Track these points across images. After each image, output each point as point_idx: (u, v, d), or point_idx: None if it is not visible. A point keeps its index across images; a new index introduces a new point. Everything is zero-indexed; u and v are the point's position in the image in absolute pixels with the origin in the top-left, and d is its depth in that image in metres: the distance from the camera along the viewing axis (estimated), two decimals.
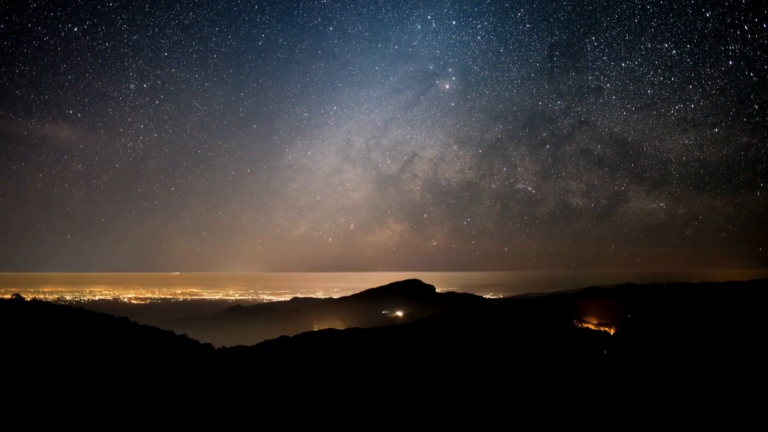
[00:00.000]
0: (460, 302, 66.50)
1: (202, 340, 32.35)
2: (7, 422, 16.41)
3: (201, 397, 22.10)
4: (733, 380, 30.62)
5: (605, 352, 39.57)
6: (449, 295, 75.75)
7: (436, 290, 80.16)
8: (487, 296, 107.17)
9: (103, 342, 25.51)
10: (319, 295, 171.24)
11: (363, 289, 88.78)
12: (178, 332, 32.34)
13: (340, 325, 51.33)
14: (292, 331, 44.18)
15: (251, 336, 53.53)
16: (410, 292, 76.08)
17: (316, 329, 44.59)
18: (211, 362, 28.32)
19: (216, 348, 31.70)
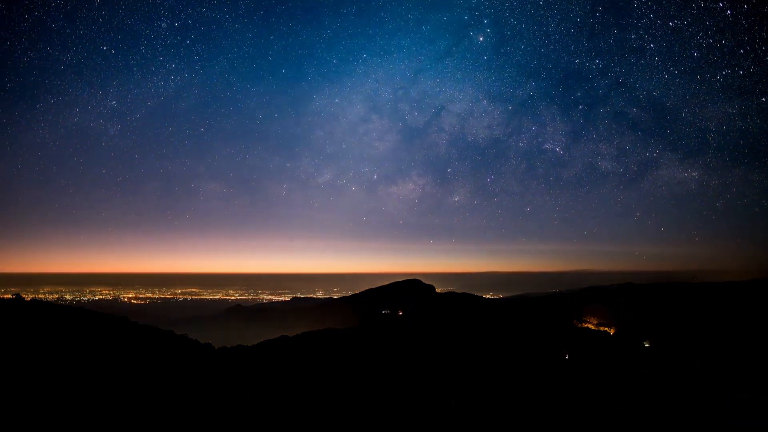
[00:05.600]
0: (460, 302, 66.47)
1: (202, 340, 32.38)
2: (9, 420, 16.42)
3: (201, 397, 22.11)
4: (729, 378, 30.63)
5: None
6: (449, 295, 75.65)
7: (436, 290, 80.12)
8: (487, 296, 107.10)
9: (103, 342, 25.52)
10: (319, 295, 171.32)
11: (363, 289, 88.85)
12: (178, 332, 32.36)
13: (339, 326, 51.36)
14: (292, 331, 44.19)
15: (251, 336, 53.54)
16: (410, 292, 76.07)
17: (315, 330, 44.64)
18: (211, 362, 28.32)
19: (216, 348, 31.72)
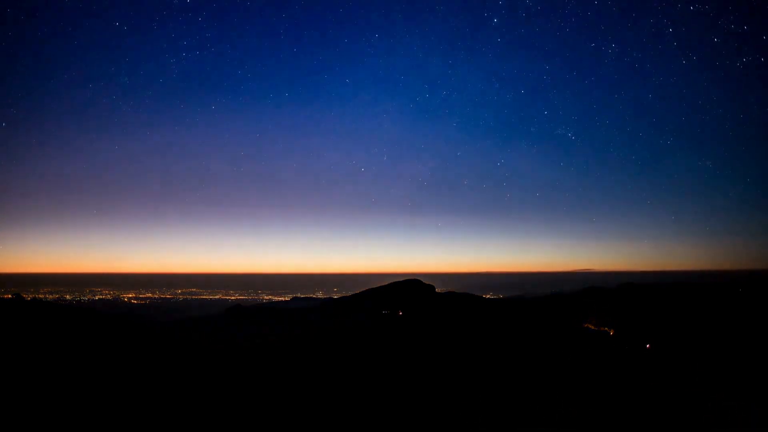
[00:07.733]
0: (460, 302, 66.43)
1: (203, 340, 32.39)
2: (9, 418, 16.40)
3: (201, 396, 22.09)
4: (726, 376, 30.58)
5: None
6: (449, 295, 75.60)
7: (436, 290, 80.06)
8: (487, 296, 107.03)
9: (103, 341, 25.52)
10: (319, 295, 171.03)
11: (363, 289, 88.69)
12: (178, 332, 32.38)
13: (339, 326, 51.32)
14: (291, 332, 44.18)
15: (251, 336, 53.48)
16: (410, 292, 76.00)
17: (315, 330, 44.61)
18: (211, 362, 28.31)
19: (216, 348, 31.72)
